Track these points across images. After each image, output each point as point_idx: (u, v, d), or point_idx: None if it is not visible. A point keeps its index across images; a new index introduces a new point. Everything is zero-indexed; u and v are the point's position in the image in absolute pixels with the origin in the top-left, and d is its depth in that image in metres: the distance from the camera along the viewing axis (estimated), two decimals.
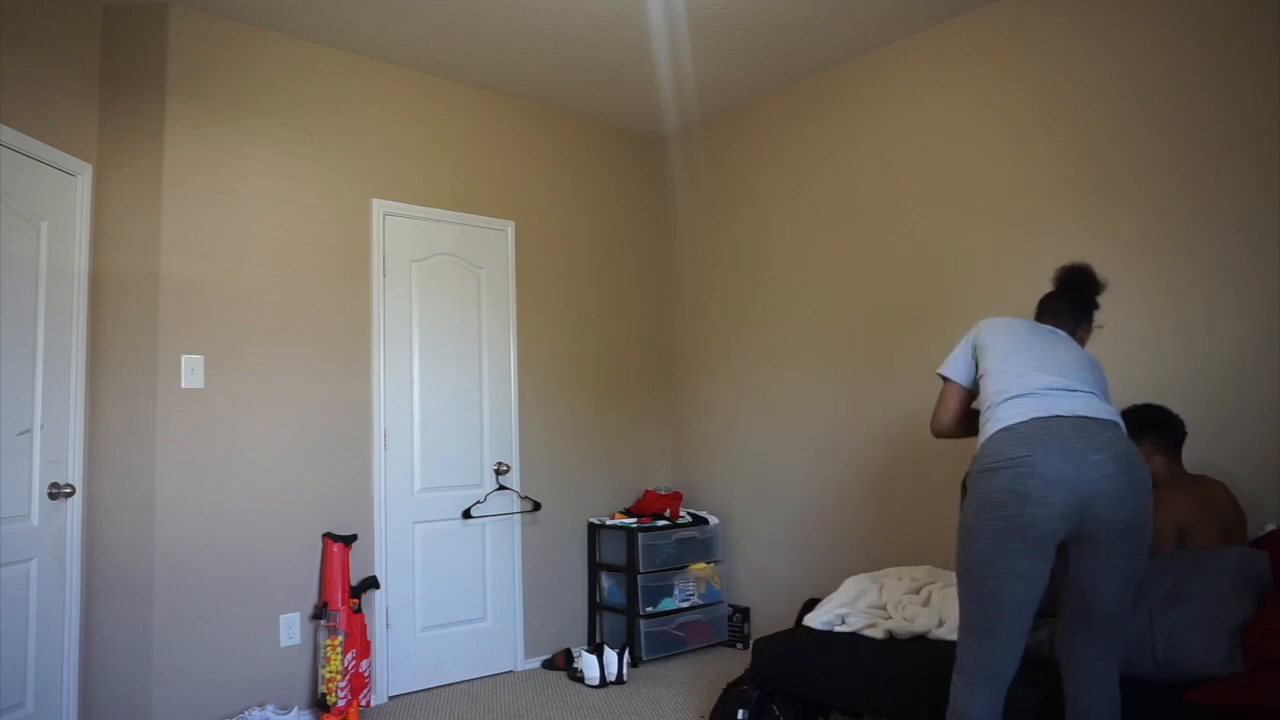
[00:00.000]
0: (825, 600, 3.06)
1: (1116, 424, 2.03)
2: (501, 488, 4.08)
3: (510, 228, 4.24)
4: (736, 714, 2.83)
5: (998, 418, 2.05)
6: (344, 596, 3.40)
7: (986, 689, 2.00)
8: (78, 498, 3.07)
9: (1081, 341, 2.37)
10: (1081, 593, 2.01)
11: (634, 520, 4.29)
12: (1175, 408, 2.88)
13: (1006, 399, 2.07)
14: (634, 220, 4.81)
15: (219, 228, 3.37)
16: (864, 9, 3.51)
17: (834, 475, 3.99)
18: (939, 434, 2.34)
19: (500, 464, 4.09)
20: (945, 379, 2.30)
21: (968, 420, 2.33)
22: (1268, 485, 2.68)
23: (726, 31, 3.68)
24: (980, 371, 2.22)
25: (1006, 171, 3.40)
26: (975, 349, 2.27)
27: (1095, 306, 2.40)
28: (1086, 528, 1.95)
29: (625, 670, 3.80)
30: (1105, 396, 2.12)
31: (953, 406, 2.30)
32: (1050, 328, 2.27)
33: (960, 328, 3.52)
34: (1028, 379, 2.08)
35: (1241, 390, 2.77)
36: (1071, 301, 2.38)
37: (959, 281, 3.54)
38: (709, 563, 4.37)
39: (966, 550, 2.01)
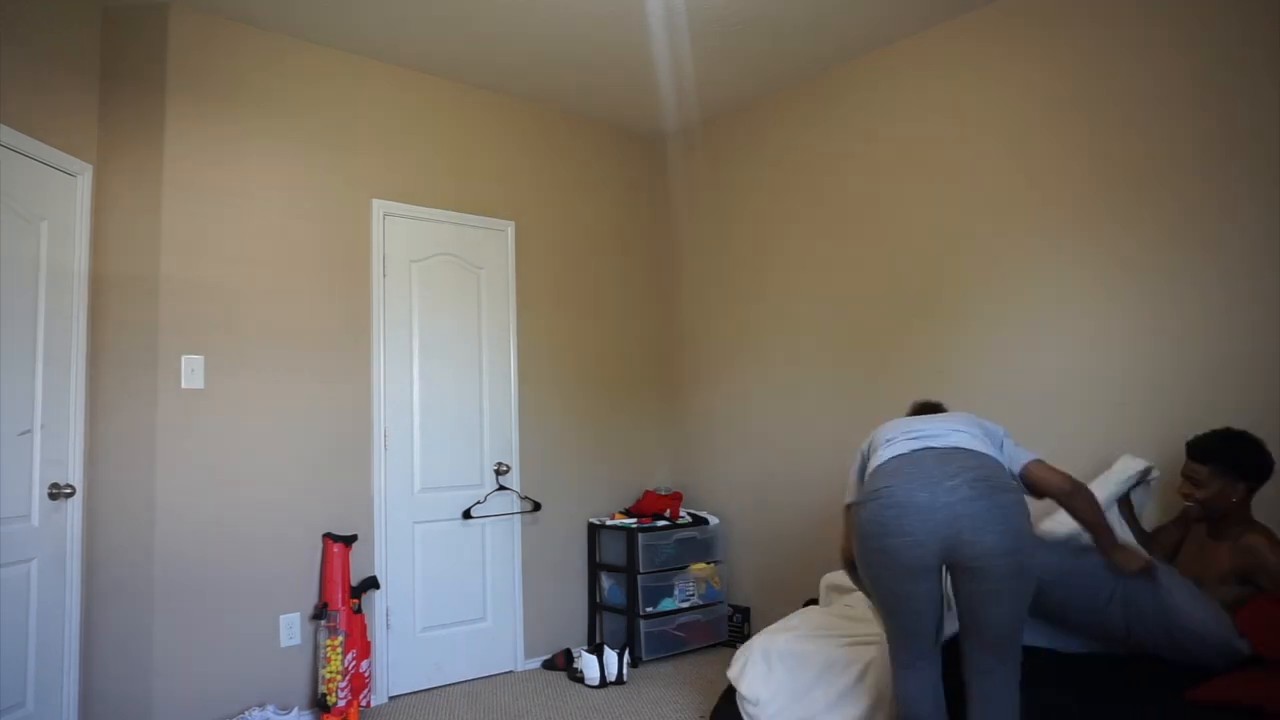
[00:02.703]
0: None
1: (985, 454, 2.10)
2: (501, 488, 4.08)
3: (510, 228, 4.24)
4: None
5: (871, 466, 2.21)
6: (344, 597, 3.40)
7: (914, 675, 2.16)
8: (78, 498, 3.07)
9: None
10: (973, 616, 2.06)
11: (634, 520, 4.29)
12: (1176, 408, 2.89)
13: (882, 453, 2.23)
14: (634, 220, 4.81)
15: (219, 228, 3.37)
16: (864, 9, 3.52)
17: (834, 475, 3.99)
18: (847, 561, 2.45)
19: (500, 464, 4.09)
20: (847, 506, 2.39)
21: None
22: (1269, 485, 2.68)
23: (726, 31, 3.68)
24: (870, 461, 2.33)
25: (1007, 171, 3.40)
26: (863, 457, 2.40)
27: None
28: (960, 553, 2.00)
29: (625, 670, 3.80)
30: (985, 438, 2.23)
31: (851, 527, 2.34)
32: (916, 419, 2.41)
33: (960, 328, 3.53)
34: (902, 437, 2.24)
35: (1242, 390, 2.77)
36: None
37: (959, 281, 3.54)
38: (709, 563, 4.37)
39: (860, 571, 2.17)
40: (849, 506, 2.35)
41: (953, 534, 1.98)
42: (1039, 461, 2.25)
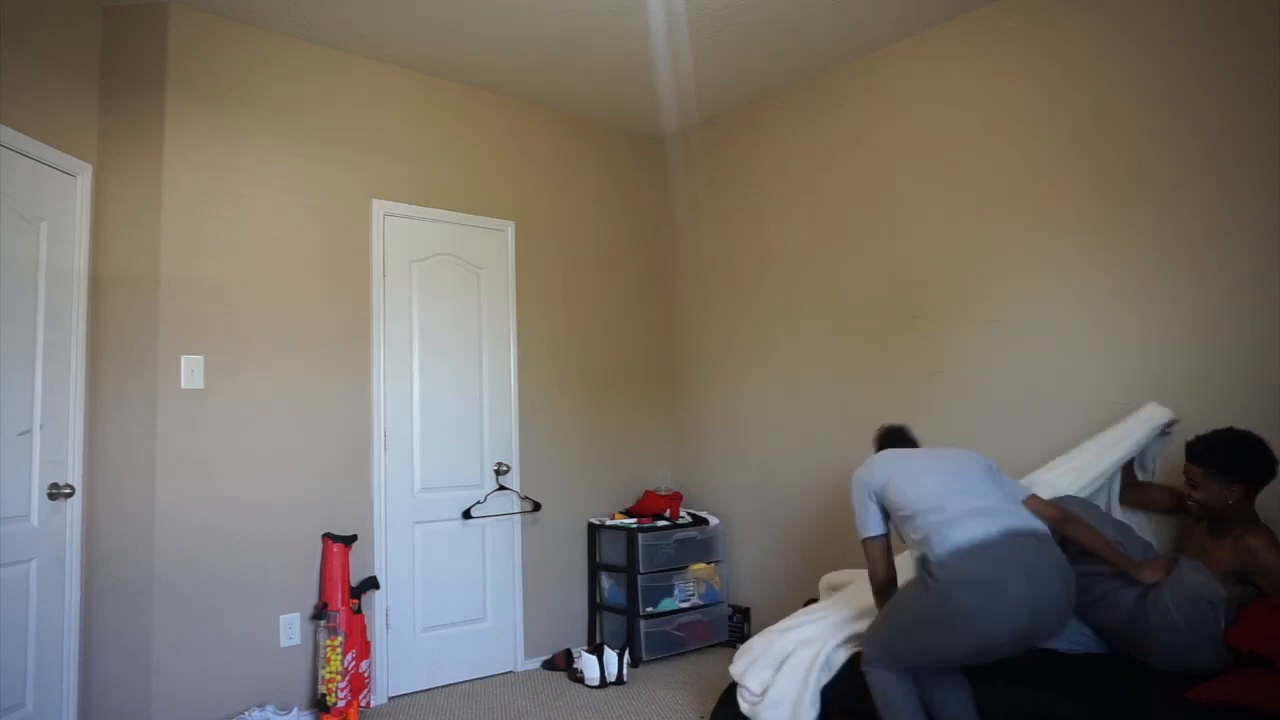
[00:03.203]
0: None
1: (1049, 534, 2.22)
2: (501, 488, 4.08)
3: (510, 228, 4.24)
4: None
5: (951, 539, 2.18)
6: (344, 597, 3.40)
7: (905, 680, 2.32)
8: (77, 498, 3.07)
9: None
10: (986, 659, 2.20)
11: (634, 520, 4.28)
12: (1176, 408, 2.88)
13: (948, 518, 2.22)
14: (634, 220, 4.81)
15: (219, 228, 3.37)
16: (864, 9, 3.51)
17: (834, 475, 3.99)
18: (882, 588, 2.48)
19: (500, 464, 4.09)
20: (870, 539, 2.46)
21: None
22: (1270, 486, 2.68)
23: (726, 31, 3.68)
24: (897, 507, 2.36)
25: (1007, 171, 3.40)
26: (876, 496, 2.45)
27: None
28: (1035, 639, 2.15)
29: (625, 671, 3.80)
30: (1004, 487, 2.37)
31: (884, 559, 2.46)
32: (923, 453, 2.49)
33: (959, 329, 3.53)
34: (955, 498, 2.27)
35: (1246, 390, 2.77)
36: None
37: (959, 282, 3.54)
38: (709, 563, 4.37)
39: (911, 627, 2.22)
40: (872, 539, 2.46)
41: (1041, 622, 2.11)
42: (1033, 496, 2.43)
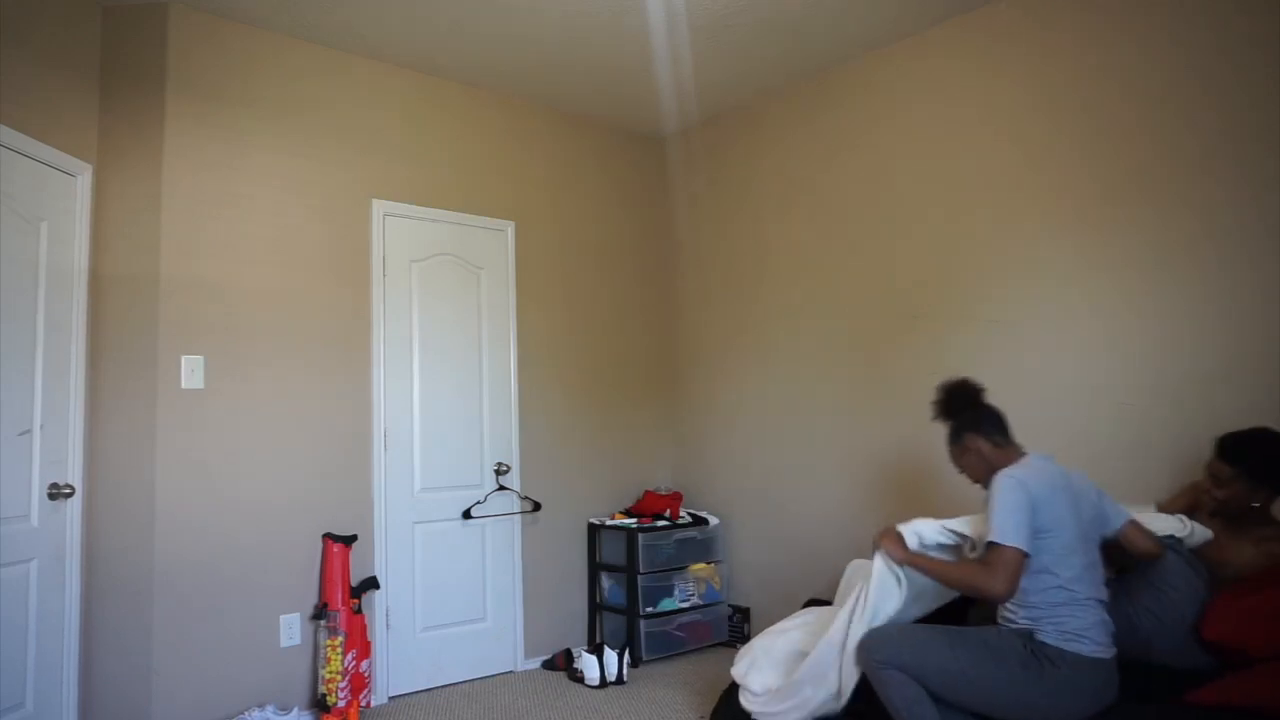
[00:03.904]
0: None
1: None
2: (501, 488, 4.08)
3: (510, 228, 4.24)
4: (748, 715, 2.82)
5: (1074, 638, 2.16)
6: (344, 597, 3.40)
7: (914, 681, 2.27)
8: (78, 498, 3.07)
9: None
10: None
11: (634, 520, 4.28)
12: (1178, 409, 2.88)
13: (1077, 598, 2.19)
14: (634, 220, 4.81)
15: (219, 228, 3.37)
16: (864, 9, 3.51)
17: (834, 475, 3.99)
18: (1000, 599, 2.25)
19: (500, 464, 4.09)
20: (1007, 547, 2.18)
21: None
22: None
23: (726, 31, 3.68)
24: (1047, 536, 2.22)
25: (1007, 171, 3.40)
26: (1033, 509, 2.22)
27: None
28: None
29: (625, 671, 3.80)
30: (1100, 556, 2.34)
31: (1014, 575, 2.18)
32: (1070, 482, 2.34)
33: (959, 329, 3.52)
34: (1085, 575, 2.22)
35: (1245, 391, 2.77)
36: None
37: (959, 282, 3.54)
38: (709, 563, 4.37)
39: (1006, 688, 2.16)
40: (1011, 549, 2.18)
41: None
42: (1132, 523, 2.41)
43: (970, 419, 2.54)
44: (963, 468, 2.59)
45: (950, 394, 2.65)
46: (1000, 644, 2.22)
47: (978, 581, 2.20)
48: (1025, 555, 2.17)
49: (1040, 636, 2.19)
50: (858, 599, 2.57)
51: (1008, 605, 2.28)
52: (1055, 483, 2.27)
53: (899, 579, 2.53)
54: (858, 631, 2.45)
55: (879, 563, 2.52)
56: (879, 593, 2.50)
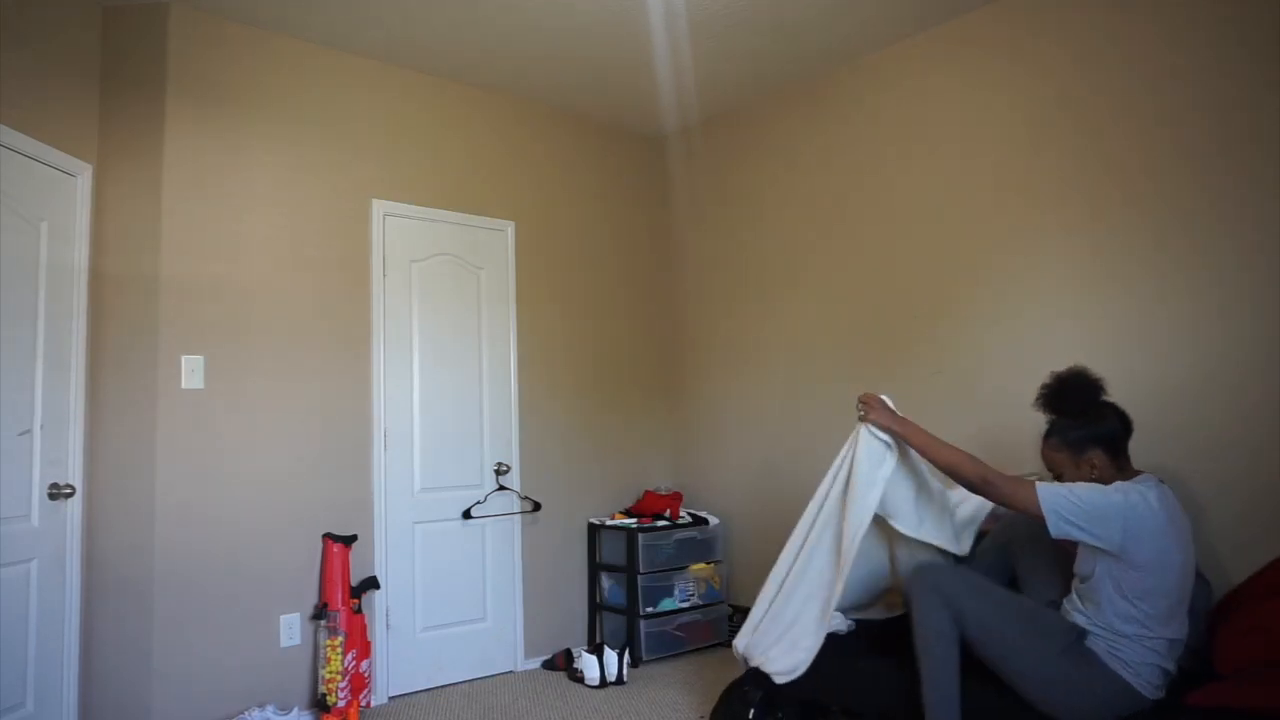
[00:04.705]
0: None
1: None
2: (501, 488, 4.08)
3: (510, 228, 4.24)
4: (748, 715, 2.82)
5: (1135, 663, 2.12)
6: (344, 597, 3.40)
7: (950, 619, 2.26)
8: (78, 498, 3.07)
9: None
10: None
11: (634, 520, 4.28)
12: (1179, 409, 2.88)
13: (1152, 640, 2.12)
14: (634, 220, 4.81)
15: (219, 228, 3.37)
16: (864, 9, 3.51)
17: None
18: (979, 492, 2.21)
19: (500, 464, 4.09)
20: (1041, 495, 2.10)
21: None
22: (1272, 486, 2.68)
23: (726, 31, 3.67)
24: (1143, 572, 2.09)
25: (1008, 172, 3.40)
26: (1120, 532, 2.05)
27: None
28: None
29: (625, 671, 3.80)
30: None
31: (1016, 499, 2.14)
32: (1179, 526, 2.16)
33: (962, 330, 3.52)
34: (1166, 625, 2.13)
35: (1245, 391, 2.77)
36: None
37: (960, 283, 3.54)
38: (709, 563, 4.37)
39: (1035, 663, 2.16)
40: (1033, 489, 2.12)
41: None
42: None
43: (1106, 435, 2.27)
44: (1056, 468, 2.34)
45: (1065, 385, 2.34)
46: (1051, 624, 2.23)
47: (967, 469, 2.20)
48: (1041, 517, 2.10)
49: (1091, 644, 2.18)
50: (841, 462, 2.57)
51: (1078, 599, 2.24)
52: (1175, 519, 2.12)
53: (888, 444, 2.50)
54: (837, 491, 2.50)
55: (864, 431, 2.50)
56: (869, 461, 2.46)
